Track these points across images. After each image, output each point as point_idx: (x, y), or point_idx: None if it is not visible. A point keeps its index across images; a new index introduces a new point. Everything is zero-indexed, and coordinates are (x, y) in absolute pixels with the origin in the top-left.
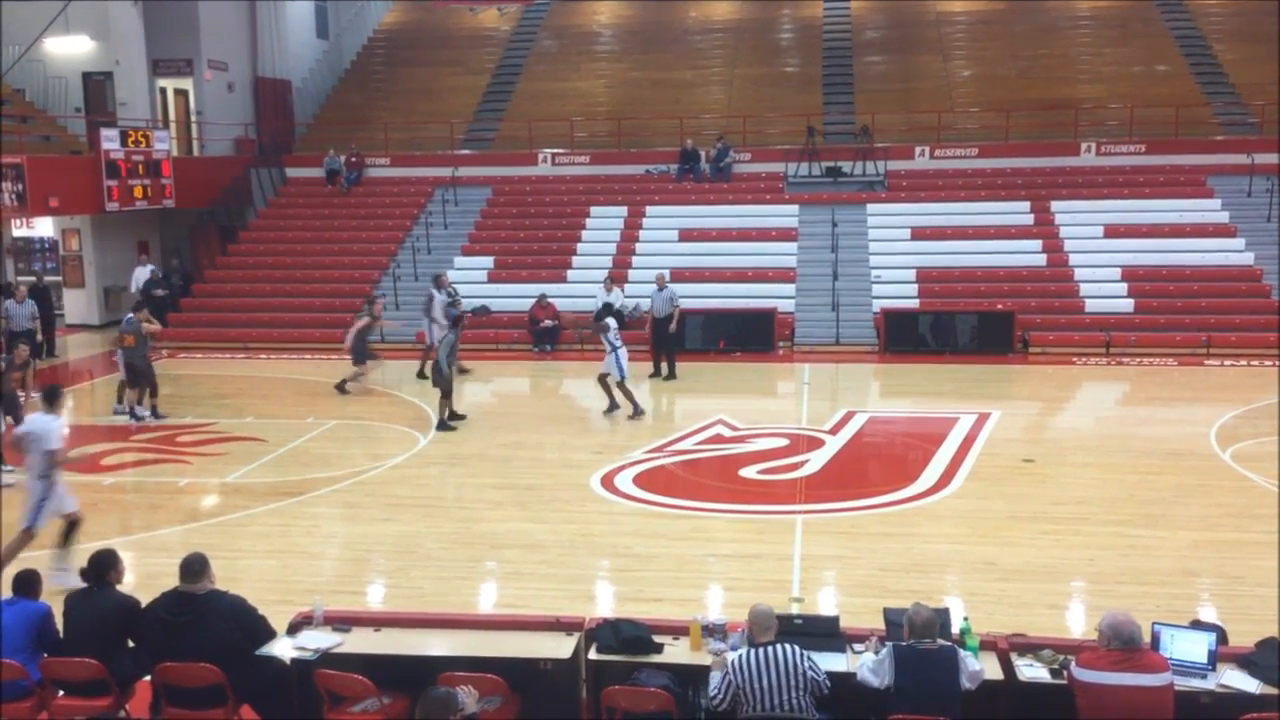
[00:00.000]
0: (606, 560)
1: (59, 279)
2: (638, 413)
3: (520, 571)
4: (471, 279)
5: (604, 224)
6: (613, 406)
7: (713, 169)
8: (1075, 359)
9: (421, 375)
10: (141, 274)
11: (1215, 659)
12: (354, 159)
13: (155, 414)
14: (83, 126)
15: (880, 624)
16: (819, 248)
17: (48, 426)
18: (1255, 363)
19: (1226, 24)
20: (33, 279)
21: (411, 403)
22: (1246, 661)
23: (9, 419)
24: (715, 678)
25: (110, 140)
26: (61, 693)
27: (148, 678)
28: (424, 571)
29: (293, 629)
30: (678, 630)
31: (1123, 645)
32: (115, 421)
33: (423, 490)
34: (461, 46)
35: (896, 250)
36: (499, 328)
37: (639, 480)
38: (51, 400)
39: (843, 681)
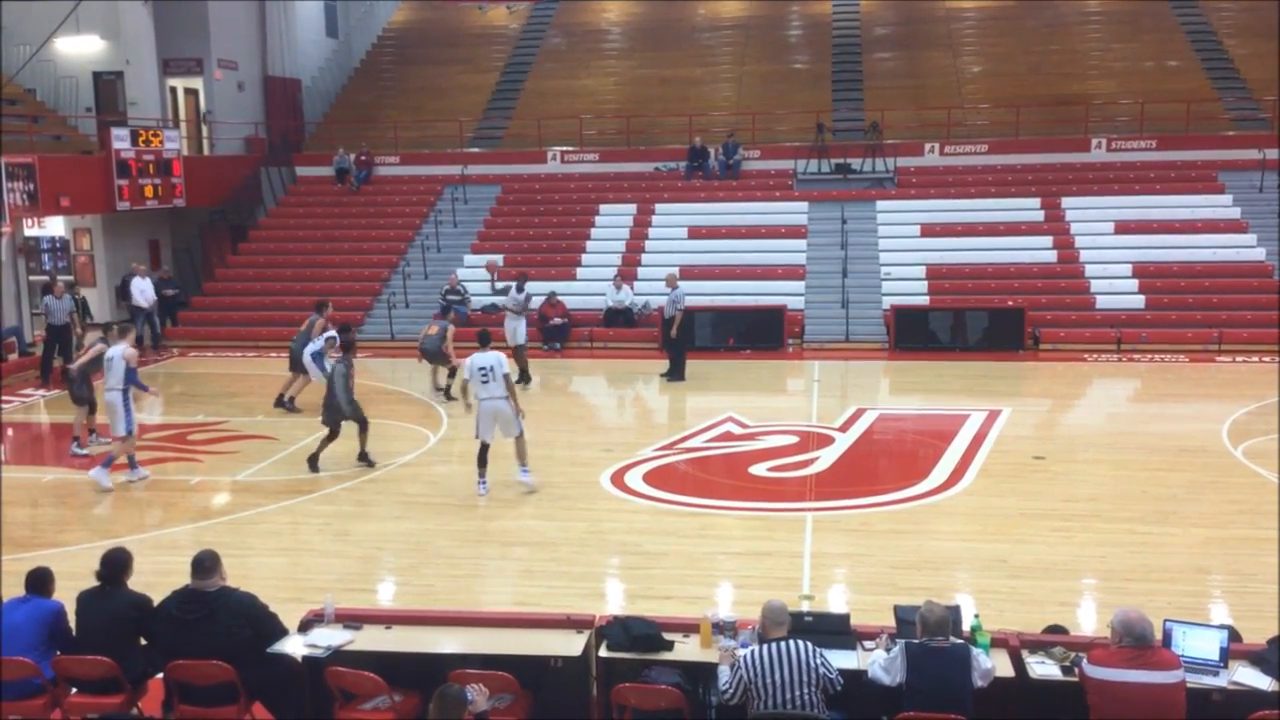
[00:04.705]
0: (617, 558)
1: (70, 278)
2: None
3: (531, 569)
4: (481, 277)
5: (613, 221)
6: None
7: (722, 166)
8: (1086, 356)
9: (281, 404)
10: (144, 285)
11: (1227, 656)
12: (363, 157)
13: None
14: (93, 126)
15: (891, 621)
16: (828, 245)
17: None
18: (1267, 359)
19: (1237, 19)
20: (45, 278)
21: (421, 401)
22: (1259, 659)
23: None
24: (724, 671)
25: (121, 140)
26: (74, 690)
27: (160, 675)
28: (435, 569)
29: (304, 627)
30: (688, 627)
31: (1135, 642)
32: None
33: (433, 488)
34: (470, 45)
35: (906, 247)
36: None
37: (649, 478)
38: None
39: (854, 679)
